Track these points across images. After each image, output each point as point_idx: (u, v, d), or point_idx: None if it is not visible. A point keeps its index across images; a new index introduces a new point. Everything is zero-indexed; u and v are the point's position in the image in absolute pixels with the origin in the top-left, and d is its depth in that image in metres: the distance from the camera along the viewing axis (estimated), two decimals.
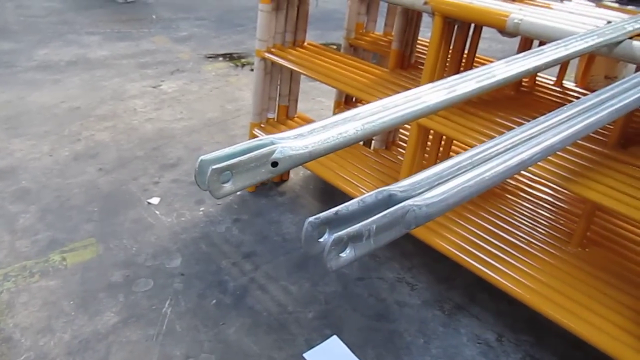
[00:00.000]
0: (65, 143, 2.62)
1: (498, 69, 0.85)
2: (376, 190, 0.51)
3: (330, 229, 0.49)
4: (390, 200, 0.51)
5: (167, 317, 1.66)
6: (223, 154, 0.58)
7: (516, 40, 1.95)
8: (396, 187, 0.52)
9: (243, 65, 3.91)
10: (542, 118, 0.70)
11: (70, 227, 2.02)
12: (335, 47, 2.19)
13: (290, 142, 0.60)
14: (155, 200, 2.22)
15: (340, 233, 0.45)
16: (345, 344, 1.62)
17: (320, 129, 0.64)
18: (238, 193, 2.31)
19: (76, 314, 1.65)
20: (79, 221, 2.06)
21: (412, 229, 0.50)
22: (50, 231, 1.99)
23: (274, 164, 0.59)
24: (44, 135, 2.67)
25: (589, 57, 2.10)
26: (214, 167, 0.55)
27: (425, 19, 1.88)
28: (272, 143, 0.60)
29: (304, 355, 1.57)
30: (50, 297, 1.70)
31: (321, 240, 0.49)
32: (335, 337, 1.64)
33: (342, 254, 0.47)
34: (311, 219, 0.48)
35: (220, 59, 4.03)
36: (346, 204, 0.50)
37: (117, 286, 1.76)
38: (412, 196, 0.52)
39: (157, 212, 2.15)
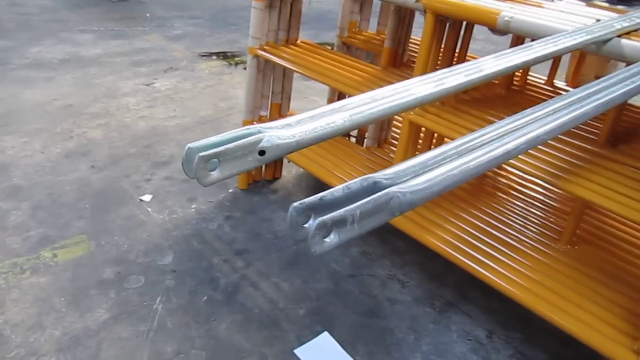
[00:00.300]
0: (57, 140, 2.61)
1: (486, 64, 0.85)
2: (361, 178, 0.51)
3: (315, 215, 0.49)
4: (375, 187, 0.51)
5: (158, 314, 1.66)
6: (210, 142, 0.58)
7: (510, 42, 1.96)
8: (381, 175, 0.53)
9: (237, 63, 3.91)
10: (528, 110, 0.71)
11: (61, 224, 2.01)
12: (329, 46, 2.19)
13: (277, 132, 0.61)
14: (147, 198, 2.22)
15: (324, 218, 0.46)
16: (336, 340, 1.62)
17: (308, 119, 0.65)
18: (230, 190, 2.32)
19: (67, 310, 1.64)
20: (71, 218, 2.05)
21: (396, 216, 0.51)
22: (42, 228, 1.98)
23: (261, 152, 0.59)
24: (36, 133, 2.66)
25: (580, 57, 2.11)
26: (201, 154, 0.55)
27: (419, 19, 1.89)
28: (260, 132, 0.60)
29: (295, 351, 1.57)
30: (41, 293, 1.69)
31: (306, 225, 0.49)
32: (326, 333, 1.64)
33: (327, 239, 0.47)
34: (296, 204, 0.48)
35: (214, 57, 4.02)
36: (331, 190, 0.50)
37: (109, 283, 1.76)
38: (397, 184, 0.52)
39: (149, 209, 2.15)
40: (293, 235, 0.49)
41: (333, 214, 0.47)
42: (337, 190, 0.50)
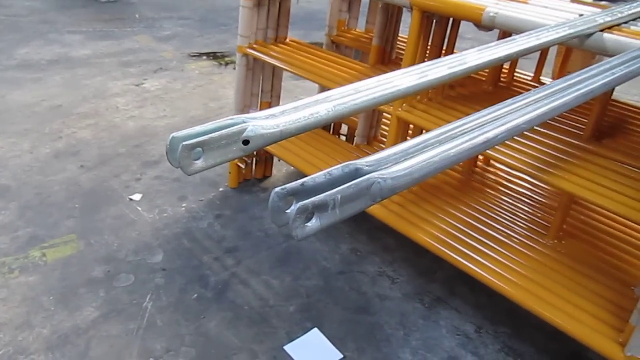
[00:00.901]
0: (46, 141, 2.60)
1: (469, 57, 0.86)
2: (343, 164, 0.52)
3: (296, 200, 0.50)
4: (357, 174, 0.52)
5: (148, 312, 1.65)
6: (194, 131, 0.59)
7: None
8: (363, 162, 0.53)
9: (227, 63, 3.91)
10: (509, 100, 0.72)
11: (50, 224, 2.01)
12: (318, 46, 2.21)
13: (261, 122, 0.61)
14: (137, 197, 2.22)
15: (305, 202, 0.46)
16: (326, 336, 1.63)
17: (292, 110, 0.65)
18: (220, 189, 2.32)
19: (56, 309, 1.64)
20: (60, 218, 2.05)
21: (377, 202, 0.51)
22: (30, 227, 1.98)
23: (245, 142, 0.60)
24: (25, 133, 2.65)
25: (565, 54, 2.14)
26: (185, 143, 0.55)
27: (407, 17, 1.90)
28: (244, 122, 0.61)
29: (285, 347, 1.58)
30: (30, 292, 1.69)
31: (288, 211, 0.50)
32: (316, 329, 1.64)
33: (308, 224, 0.48)
34: (277, 189, 0.49)
35: (204, 57, 4.02)
36: (312, 175, 0.51)
37: (98, 281, 1.76)
38: (378, 170, 0.53)
39: (139, 209, 2.15)
40: (274, 220, 0.49)
41: (314, 198, 0.47)
42: (318, 176, 0.51)
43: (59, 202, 2.14)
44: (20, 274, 1.76)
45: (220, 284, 1.79)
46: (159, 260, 1.87)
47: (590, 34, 1.17)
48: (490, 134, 0.62)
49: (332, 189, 0.50)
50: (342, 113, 0.68)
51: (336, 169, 0.52)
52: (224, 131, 0.58)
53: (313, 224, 0.48)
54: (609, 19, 1.21)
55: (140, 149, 2.59)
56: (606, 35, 1.18)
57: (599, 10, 1.38)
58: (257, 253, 1.96)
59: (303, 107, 0.66)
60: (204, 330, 1.61)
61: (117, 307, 1.66)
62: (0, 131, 2.65)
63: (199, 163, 0.58)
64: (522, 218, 1.77)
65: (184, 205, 2.20)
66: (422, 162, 0.55)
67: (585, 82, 0.81)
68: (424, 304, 1.79)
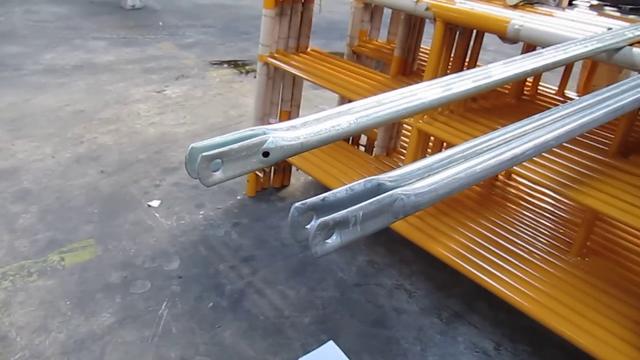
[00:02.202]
0: (68, 145, 2.63)
1: (495, 70, 0.85)
2: (365, 179, 0.51)
3: (317, 215, 0.49)
4: (379, 189, 0.51)
5: (163, 319, 1.65)
6: (214, 142, 0.58)
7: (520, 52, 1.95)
8: (385, 177, 0.52)
9: (247, 72, 3.93)
10: (536, 116, 0.70)
11: (69, 228, 2.02)
12: (339, 55, 2.20)
13: (282, 133, 0.60)
14: (155, 203, 2.22)
15: (325, 218, 0.45)
16: (342, 349, 1.60)
17: (313, 122, 0.64)
18: (238, 197, 2.32)
19: (72, 314, 1.64)
20: (79, 222, 2.06)
21: (400, 219, 0.50)
22: (50, 231, 1.99)
23: (265, 153, 0.59)
24: (47, 138, 2.68)
25: (591, 67, 2.10)
26: (204, 154, 0.55)
27: (429, 29, 1.88)
28: (264, 133, 0.60)
29: (300, 359, 1.56)
30: (47, 296, 1.70)
31: (308, 227, 0.49)
32: (331, 342, 1.62)
33: (328, 240, 0.47)
34: (298, 204, 0.48)
35: (225, 65, 4.05)
36: (334, 190, 0.49)
37: (115, 287, 1.76)
38: (401, 186, 0.51)
39: (157, 215, 2.15)
40: (294, 236, 0.48)
41: (335, 214, 0.46)
42: (340, 191, 0.49)
43: (78, 207, 2.16)
44: (39, 277, 1.77)
45: (236, 293, 1.79)
46: (176, 268, 1.87)
47: (619, 48, 1.15)
48: (517, 150, 0.60)
49: (353, 204, 0.48)
50: (365, 126, 0.67)
51: (358, 184, 0.50)
52: (244, 143, 0.57)
53: (333, 240, 0.47)
54: (638, 33, 1.19)
55: (160, 156, 2.61)
56: (635, 49, 1.15)
57: (627, 24, 1.35)
58: (274, 263, 1.95)
59: (325, 119, 0.65)
60: (219, 340, 1.60)
61: (132, 313, 1.66)
62: (24, 135, 2.68)
63: (218, 174, 0.57)
64: (543, 234, 1.74)
65: (201, 212, 2.20)
66: (446, 178, 0.53)
67: (615, 97, 0.79)
68: (442, 319, 1.76)
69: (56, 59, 3.81)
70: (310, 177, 2.44)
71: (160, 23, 5.06)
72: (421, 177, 0.54)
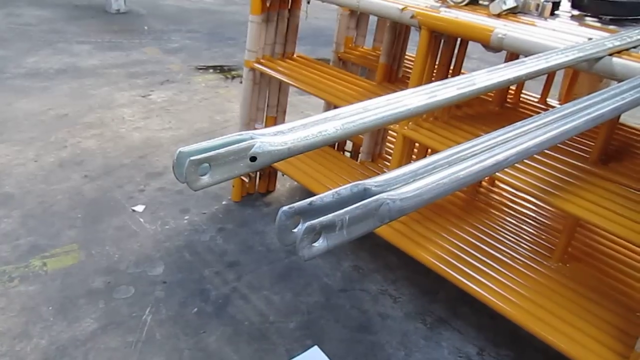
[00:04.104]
0: (51, 149, 2.60)
1: (479, 78, 0.86)
2: (351, 184, 0.52)
3: (304, 219, 0.49)
4: (365, 194, 0.51)
5: (147, 325, 1.64)
6: (202, 146, 0.58)
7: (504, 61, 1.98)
8: (372, 182, 0.53)
9: (233, 77, 3.93)
10: (519, 123, 0.71)
11: (52, 233, 2.00)
12: (325, 62, 2.22)
13: (269, 138, 0.61)
14: (140, 208, 2.21)
15: (312, 222, 0.46)
16: (327, 354, 1.61)
17: (300, 127, 0.65)
18: (223, 203, 2.31)
19: (55, 319, 1.62)
20: (62, 227, 2.04)
21: (385, 223, 0.51)
22: (32, 236, 1.97)
23: (253, 158, 0.59)
24: (30, 142, 2.65)
25: (572, 76, 2.14)
26: (192, 158, 0.55)
27: (414, 36, 1.91)
28: (252, 138, 0.60)
29: None
30: (29, 302, 1.68)
31: (295, 230, 0.49)
32: (316, 347, 1.63)
33: (315, 244, 0.47)
34: (285, 208, 0.48)
35: (211, 70, 4.04)
36: (320, 195, 0.50)
37: (98, 293, 1.75)
38: (387, 191, 0.52)
39: (142, 220, 2.14)
40: (281, 240, 0.49)
41: (322, 218, 0.46)
42: (326, 195, 0.50)
43: (61, 212, 2.13)
44: (20, 283, 1.75)
45: (221, 298, 1.78)
46: (160, 273, 1.86)
47: (600, 58, 1.17)
48: (500, 157, 0.62)
49: (340, 209, 0.49)
50: (351, 131, 0.67)
51: (344, 189, 0.51)
52: (231, 147, 0.58)
53: (320, 244, 0.47)
54: (617, 43, 1.21)
55: (145, 160, 2.59)
56: (615, 59, 1.18)
57: (607, 34, 1.38)
58: (259, 268, 1.95)
59: (311, 124, 0.66)
60: (203, 346, 1.59)
61: (116, 319, 1.65)
62: (6, 139, 2.65)
63: (206, 179, 0.57)
64: (526, 240, 1.76)
65: (186, 217, 2.19)
66: (431, 183, 0.54)
67: (596, 106, 0.81)
68: (426, 324, 1.77)
69: (39, 63, 3.78)
70: (295, 183, 2.45)
71: (146, 27, 5.04)
72: (406, 182, 0.54)
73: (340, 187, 0.51)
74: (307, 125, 0.65)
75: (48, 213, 2.12)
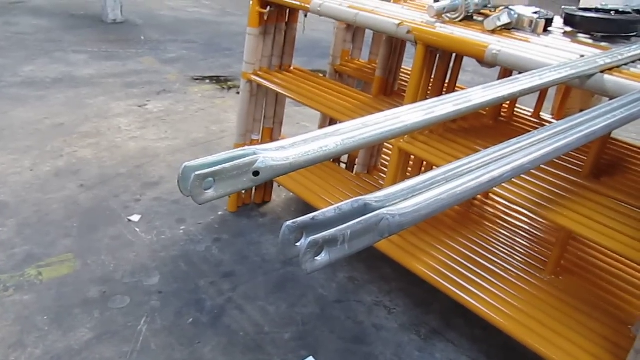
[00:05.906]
0: (47, 159, 2.61)
1: (475, 94, 0.88)
2: (352, 199, 0.53)
3: (306, 234, 0.51)
4: (366, 209, 0.53)
5: (143, 335, 1.64)
6: (207, 161, 0.60)
7: (498, 74, 2.01)
8: (372, 197, 0.54)
9: (229, 88, 3.95)
10: (514, 140, 0.73)
11: (48, 242, 2.00)
12: (321, 74, 2.24)
13: (272, 153, 0.63)
14: (135, 218, 2.22)
15: (315, 236, 0.47)
16: None
17: (302, 142, 0.66)
18: (219, 213, 2.32)
19: (49, 329, 1.62)
20: (57, 236, 2.04)
21: (385, 237, 0.52)
22: (28, 245, 1.97)
23: (256, 173, 0.61)
24: (26, 150, 2.66)
25: (565, 91, 2.17)
26: (197, 173, 0.56)
27: (410, 50, 1.93)
28: (255, 153, 0.62)
29: None
30: (24, 311, 1.68)
31: (298, 244, 0.51)
32: (311, 358, 1.63)
33: (318, 258, 0.49)
34: (288, 222, 0.50)
35: (207, 81, 4.06)
36: (323, 210, 0.52)
37: (93, 302, 1.75)
38: (387, 206, 0.54)
39: (137, 230, 2.15)
40: (284, 253, 0.50)
41: (324, 233, 0.48)
42: (328, 210, 0.52)
43: (57, 221, 2.14)
44: (15, 292, 1.75)
45: (216, 308, 1.79)
46: (156, 283, 1.87)
47: (591, 75, 1.20)
48: (495, 173, 0.63)
49: (341, 223, 0.51)
50: (351, 147, 0.69)
51: (346, 204, 0.53)
52: (235, 162, 0.59)
53: (322, 258, 0.49)
54: (609, 60, 1.24)
55: (141, 170, 2.60)
56: (607, 76, 1.20)
57: (599, 51, 1.41)
58: (254, 278, 1.96)
59: (312, 140, 0.68)
60: (199, 356, 1.60)
61: (111, 329, 1.65)
62: (2, 147, 2.66)
63: (210, 192, 0.59)
64: (519, 252, 1.78)
65: (182, 227, 2.20)
66: (429, 199, 0.56)
67: (588, 123, 0.83)
68: (420, 335, 1.79)
69: (36, 72, 3.79)
70: (291, 194, 2.46)
71: (142, 37, 5.06)
72: (405, 198, 0.56)
73: (342, 203, 0.53)
74: (308, 140, 0.67)
75: (44, 222, 2.12)
